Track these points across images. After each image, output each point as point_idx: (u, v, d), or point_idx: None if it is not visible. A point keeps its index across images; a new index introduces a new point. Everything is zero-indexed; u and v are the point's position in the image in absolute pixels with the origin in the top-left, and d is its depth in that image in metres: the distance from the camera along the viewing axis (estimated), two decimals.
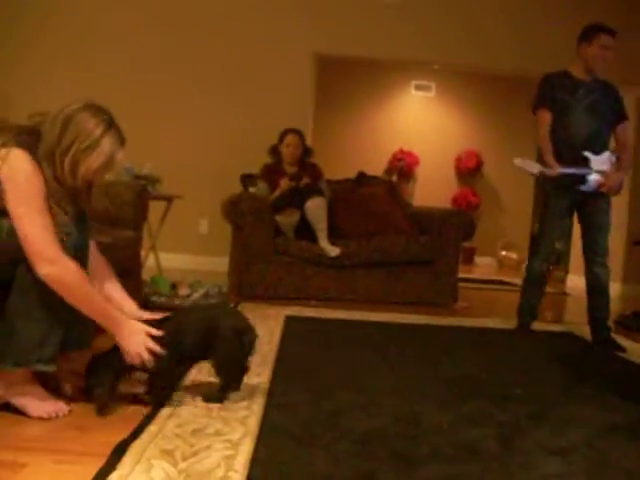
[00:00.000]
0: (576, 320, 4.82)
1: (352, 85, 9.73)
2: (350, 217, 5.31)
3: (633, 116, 6.13)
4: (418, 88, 10.03)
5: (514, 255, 10.10)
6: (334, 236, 5.08)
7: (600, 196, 4.04)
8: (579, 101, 4.05)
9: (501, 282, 7.72)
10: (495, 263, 10.16)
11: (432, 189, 9.85)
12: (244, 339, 2.26)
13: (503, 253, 10.13)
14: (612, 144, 4.20)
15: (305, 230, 5.03)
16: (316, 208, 5.00)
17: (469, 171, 9.99)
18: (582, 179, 3.96)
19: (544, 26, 6.70)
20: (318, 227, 5.00)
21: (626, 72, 6.20)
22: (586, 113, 4.03)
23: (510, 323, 4.42)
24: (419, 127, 10.07)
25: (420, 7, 6.68)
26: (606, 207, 4.12)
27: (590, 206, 4.09)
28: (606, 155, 4.04)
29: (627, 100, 4.48)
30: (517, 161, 3.97)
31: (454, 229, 5.19)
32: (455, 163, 10.06)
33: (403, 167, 9.85)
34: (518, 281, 7.81)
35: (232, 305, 4.20)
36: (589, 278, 4.14)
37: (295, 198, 5.05)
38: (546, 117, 4.08)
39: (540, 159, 4.06)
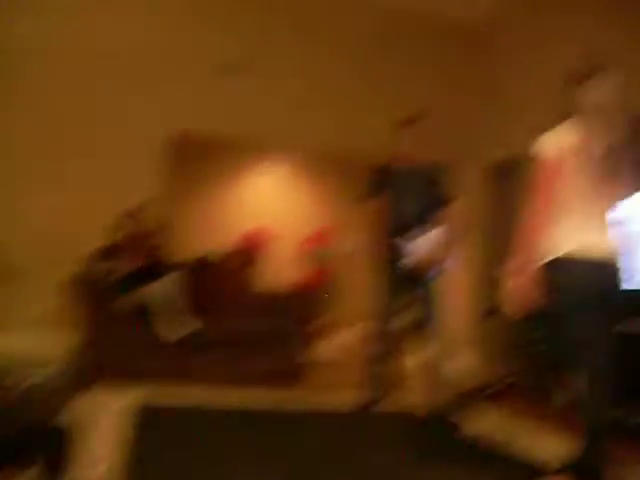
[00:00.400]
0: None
1: (205, 165, 9.75)
2: (199, 296, 5.28)
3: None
4: (271, 166, 10.22)
5: (357, 333, 10.29)
6: (182, 317, 5.01)
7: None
8: None
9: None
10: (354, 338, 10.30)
11: (284, 268, 9.93)
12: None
13: (355, 327, 10.29)
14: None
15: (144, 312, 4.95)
16: (163, 289, 4.93)
17: (321, 249, 10.19)
18: None
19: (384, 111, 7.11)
20: (166, 308, 4.91)
21: None
22: None
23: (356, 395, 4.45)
24: (272, 206, 10.19)
25: (275, 84, 6.91)
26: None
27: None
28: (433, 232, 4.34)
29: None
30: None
31: (304, 309, 5.32)
32: (305, 243, 10.24)
33: (255, 245, 9.90)
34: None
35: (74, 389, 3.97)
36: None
37: (141, 278, 4.95)
38: None
39: None
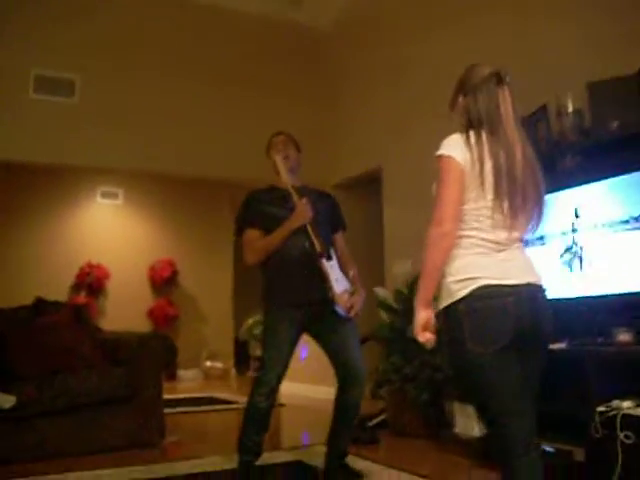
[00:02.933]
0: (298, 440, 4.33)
1: (30, 194, 8.60)
2: (26, 354, 4.27)
3: None
4: (104, 195, 9.25)
5: (219, 364, 9.59)
6: (6, 381, 4.03)
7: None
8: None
9: (211, 399, 7.07)
10: (201, 375, 9.51)
11: (126, 303, 8.98)
12: None
13: (208, 364, 9.55)
14: None
15: None
16: None
17: (164, 281, 9.33)
18: None
19: (233, 132, 6.50)
20: None
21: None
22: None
23: (230, 460, 3.70)
24: (108, 237, 9.22)
25: (103, 110, 6.02)
26: (351, 328, 3.56)
27: (330, 329, 3.55)
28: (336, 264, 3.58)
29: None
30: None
31: (153, 355, 4.45)
32: (149, 273, 9.35)
33: (92, 282, 8.87)
34: (228, 395, 7.41)
35: None
36: (338, 402, 3.54)
37: None
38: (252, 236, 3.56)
39: None
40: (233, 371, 9.72)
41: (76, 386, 4.17)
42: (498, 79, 2.20)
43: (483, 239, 2.11)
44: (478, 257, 2.11)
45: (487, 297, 2.06)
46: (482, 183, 2.09)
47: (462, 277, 2.08)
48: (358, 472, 3.56)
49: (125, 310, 8.75)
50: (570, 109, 3.68)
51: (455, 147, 2.13)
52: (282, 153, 3.64)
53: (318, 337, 3.58)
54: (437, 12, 5.48)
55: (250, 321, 8.43)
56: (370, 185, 6.58)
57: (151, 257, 9.36)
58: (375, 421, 4.94)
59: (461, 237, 2.12)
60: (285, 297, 3.45)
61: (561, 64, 4.07)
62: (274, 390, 3.49)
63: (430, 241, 2.10)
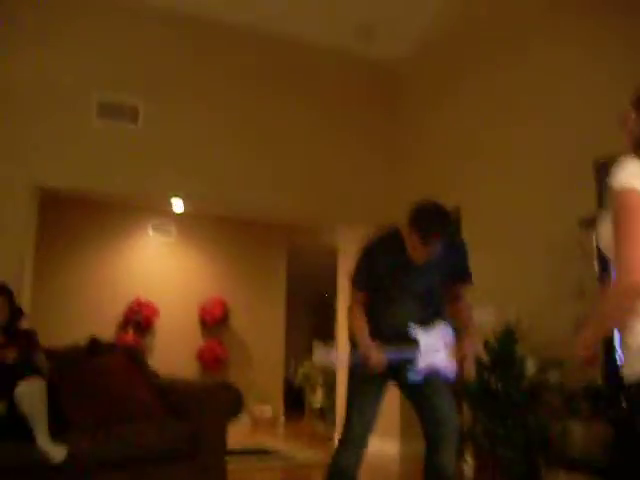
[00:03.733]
0: None
1: (80, 226, 8.30)
2: (80, 401, 3.84)
3: None
4: (156, 229, 8.92)
5: (269, 409, 9.10)
6: (58, 430, 3.60)
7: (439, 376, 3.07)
8: (407, 289, 3.06)
9: (264, 452, 6.57)
10: (249, 420, 9.01)
11: (174, 343, 8.57)
12: None
13: (257, 409, 9.06)
14: None
15: (14, 425, 3.52)
16: (31, 394, 3.54)
17: (215, 321, 8.91)
18: None
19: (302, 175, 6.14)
20: (36, 420, 3.51)
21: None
22: (413, 300, 3.07)
23: None
24: (158, 274, 8.86)
25: (156, 139, 5.72)
26: (444, 387, 3.07)
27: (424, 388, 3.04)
28: (439, 329, 3.05)
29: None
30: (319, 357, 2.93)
31: (220, 408, 4.00)
32: (199, 313, 8.94)
33: (140, 320, 8.50)
34: (282, 446, 6.91)
35: None
36: (427, 467, 3.02)
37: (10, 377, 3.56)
38: (361, 297, 3.11)
39: None
40: (282, 418, 9.20)
41: (133, 437, 3.73)
42: None
43: None
44: None
45: None
46: None
47: None
48: None
49: (173, 350, 8.35)
50: None
51: (634, 173, 1.68)
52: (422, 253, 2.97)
53: (403, 386, 3.11)
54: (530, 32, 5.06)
55: (306, 365, 7.93)
56: None
57: (202, 296, 8.96)
58: None
59: None
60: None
61: None
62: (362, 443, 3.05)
63: (614, 294, 1.67)
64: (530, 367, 4.09)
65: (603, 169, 3.83)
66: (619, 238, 1.67)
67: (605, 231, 1.78)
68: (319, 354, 3.02)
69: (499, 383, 4.13)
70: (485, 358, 4.34)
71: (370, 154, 6.38)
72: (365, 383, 3.04)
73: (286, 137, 6.19)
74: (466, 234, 5.56)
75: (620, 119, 1.90)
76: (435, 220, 2.87)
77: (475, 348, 3.08)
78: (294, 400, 8.95)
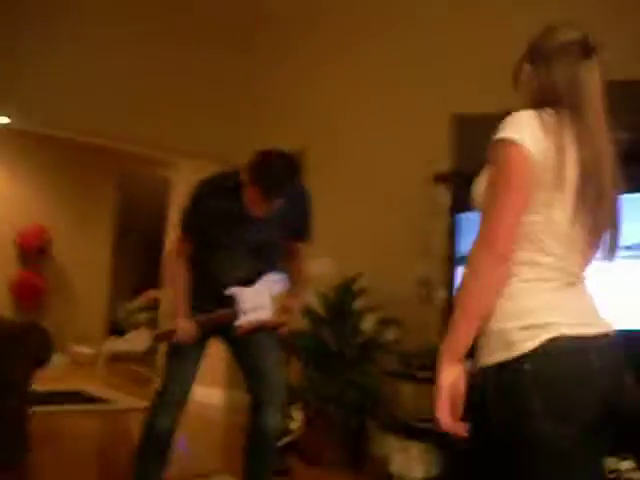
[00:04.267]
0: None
1: None
2: None
3: None
4: None
5: (87, 350, 8.49)
6: None
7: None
8: (242, 242, 2.73)
9: (80, 396, 6.03)
10: (67, 360, 8.37)
11: None
12: None
13: (76, 348, 8.43)
14: None
15: None
16: None
17: (33, 251, 8.09)
18: None
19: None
20: None
21: None
22: (248, 254, 2.75)
23: None
24: None
25: None
26: (272, 342, 2.85)
27: (247, 344, 2.84)
28: (264, 280, 2.77)
29: None
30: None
31: (25, 351, 3.47)
32: (16, 240, 8.07)
33: None
34: (97, 390, 6.41)
35: None
36: (252, 425, 2.83)
37: None
38: (186, 243, 2.79)
39: None
40: (104, 356, 8.62)
41: None
42: (584, 48, 1.48)
43: (554, 268, 1.41)
44: (549, 294, 1.41)
45: (565, 353, 1.35)
46: (561, 185, 1.38)
47: (528, 322, 1.36)
48: None
49: None
50: None
51: (526, 128, 1.38)
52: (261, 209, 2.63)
53: (227, 343, 2.90)
54: None
55: (129, 306, 7.41)
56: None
57: (19, 222, 8.07)
58: (285, 441, 4.19)
59: (523, 263, 1.40)
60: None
61: None
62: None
63: (476, 269, 1.36)
64: (367, 323, 3.89)
65: (460, 124, 3.64)
66: (489, 198, 1.39)
67: (480, 187, 1.50)
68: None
69: (333, 338, 3.90)
70: (320, 310, 4.10)
71: (219, 90, 5.86)
72: (184, 346, 2.72)
73: (132, 58, 5.49)
74: (311, 178, 5.24)
75: (514, 73, 1.61)
76: (281, 174, 2.53)
77: (301, 305, 2.94)
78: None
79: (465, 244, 3.42)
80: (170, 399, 2.77)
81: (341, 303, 4.01)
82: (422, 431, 3.27)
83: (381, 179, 4.49)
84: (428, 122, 4.08)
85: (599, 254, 1.50)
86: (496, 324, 1.39)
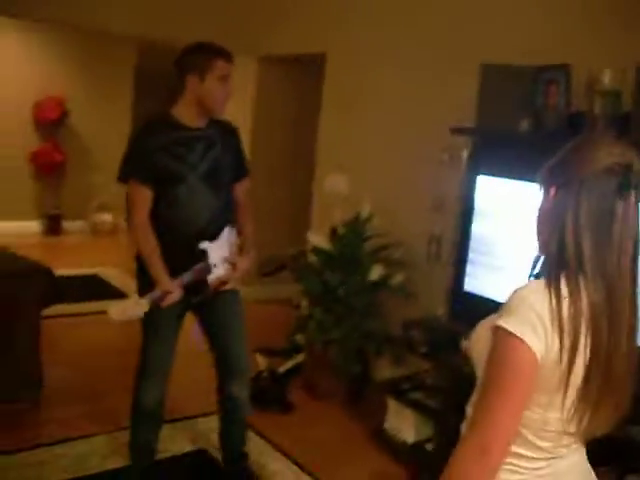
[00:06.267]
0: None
1: None
2: None
3: None
4: None
5: (109, 218, 8.56)
6: None
7: (225, 294, 2.77)
8: (194, 167, 2.62)
9: (101, 284, 6.15)
10: (87, 228, 8.47)
11: (4, 144, 7.60)
12: None
13: (97, 217, 8.50)
14: None
15: None
16: None
17: (51, 122, 7.91)
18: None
19: None
20: None
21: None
22: (203, 183, 2.64)
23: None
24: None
25: None
26: (235, 305, 2.85)
27: (214, 309, 2.81)
28: (225, 234, 2.73)
29: None
30: (118, 316, 2.44)
31: (31, 297, 3.47)
32: (33, 112, 7.87)
33: None
34: (120, 277, 6.48)
35: None
36: (222, 397, 2.92)
37: None
38: (144, 197, 2.61)
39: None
40: (124, 225, 8.70)
41: None
42: (624, 180, 1.22)
43: (543, 458, 1.31)
44: None
45: None
46: (565, 387, 1.23)
47: None
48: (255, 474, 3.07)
49: (4, 153, 7.44)
50: (606, 86, 2.76)
51: (535, 322, 1.19)
52: (226, 89, 2.65)
53: (194, 309, 2.84)
54: None
55: None
56: (307, 72, 5.43)
57: (36, 93, 7.84)
58: (286, 367, 4.29)
59: (512, 455, 1.27)
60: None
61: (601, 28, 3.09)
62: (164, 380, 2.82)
63: (463, 472, 1.21)
64: (374, 273, 3.82)
65: (488, 73, 3.32)
66: (486, 397, 1.23)
67: (479, 338, 1.36)
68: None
69: (340, 284, 3.85)
70: (332, 247, 4.01)
71: None
72: (164, 313, 2.61)
73: None
74: (328, 85, 4.91)
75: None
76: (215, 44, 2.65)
77: (250, 266, 2.83)
78: None
79: (480, 202, 3.27)
80: (155, 373, 2.76)
81: (351, 247, 3.91)
82: (417, 403, 3.30)
83: (402, 116, 4.20)
84: (458, 67, 3.72)
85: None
86: None
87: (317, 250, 4.02)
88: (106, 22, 5.13)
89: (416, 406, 3.28)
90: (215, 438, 3.08)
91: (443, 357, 3.17)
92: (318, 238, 4.03)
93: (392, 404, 3.41)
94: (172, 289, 2.50)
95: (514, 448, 1.26)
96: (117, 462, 3.04)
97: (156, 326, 2.70)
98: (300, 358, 4.27)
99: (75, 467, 2.99)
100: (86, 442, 3.22)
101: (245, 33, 5.37)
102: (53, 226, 7.99)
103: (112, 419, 3.42)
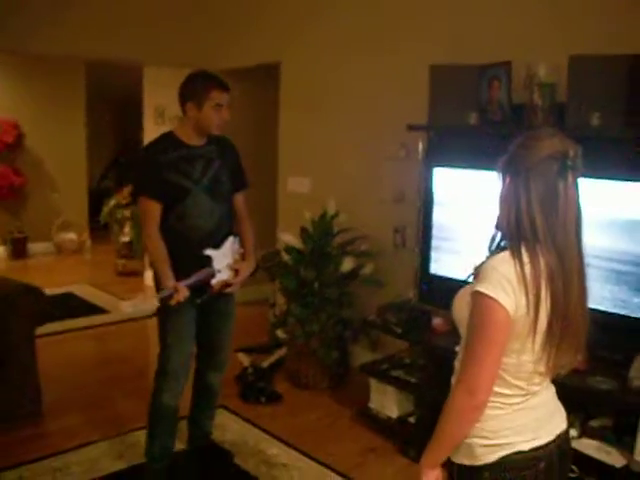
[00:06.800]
0: None
1: None
2: None
3: None
4: None
5: (73, 236, 8.63)
6: None
7: (224, 296, 3.02)
8: (198, 182, 2.88)
9: (71, 299, 6.27)
10: (53, 248, 8.53)
11: None
12: None
13: (61, 236, 8.56)
14: None
15: None
16: None
17: (7, 146, 7.96)
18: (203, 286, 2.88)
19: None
20: None
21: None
22: (207, 196, 2.89)
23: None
24: None
25: None
26: (231, 307, 3.13)
27: (214, 309, 3.04)
28: (229, 243, 2.98)
29: None
30: (128, 308, 2.66)
31: (24, 316, 3.63)
32: None
33: None
34: (89, 289, 6.62)
35: None
36: (199, 384, 3.21)
37: None
38: (154, 211, 2.83)
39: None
40: (89, 243, 8.79)
41: None
42: (563, 164, 1.50)
43: (520, 395, 1.60)
44: (512, 416, 1.61)
45: (518, 467, 1.60)
46: (533, 334, 1.52)
47: (491, 442, 1.59)
48: (228, 451, 3.37)
49: None
50: (542, 79, 3.06)
51: (505, 285, 1.48)
52: (221, 115, 2.89)
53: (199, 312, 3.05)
54: None
55: (112, 202, 7.44)
56: (266, 82, 5.65)
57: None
58: (270, 361, 4.53)
59: (494, 394, 1.57)
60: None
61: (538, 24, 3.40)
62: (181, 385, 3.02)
63: (456, 411, 1.55)
64: (346, 265, 4.08)
65: (437, 73, 3.59)
66: (471, 349, 1.53)
67: (460, 304, 1.64)
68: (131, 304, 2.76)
69: (315, 277, 4.10)
70: (302, 247, 4.25)
71: (193, 6, 5.60)
72: (179, 314, 2.88)
73: None
74: (285, 94, 5.14)
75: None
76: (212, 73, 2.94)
77: (249, 273, 3.06)
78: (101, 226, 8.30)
79: (438, 192, 3.55)
80: (176, 373, 2.94)
81: (321, 244, 4.16)
82: (397, 379, 3.57)
83: (359, 117, 4.46)
84: (410, 69, 3.99)
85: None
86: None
87: (289, 248, 4.26)
88: (49, 46, 5.19)
89: (397, 383, 3.54)
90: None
91: (417, 336, 3.44)
92: (289, 237, 4.26)
93: (374, 384, 3.68)
94: (179, 289, 2.69)
95: (496, 388, 1.55)
96: (128, 462, 3.23)
97: (174, 327, 2.92)
98: (282, 352, 4.52)
99: (88, 472, 3.16)
100: (94, 447, 3.39)
101: (201, 48, 5.57)
102: (18, 249, 8.04)
103: (113, 425, 3.61)
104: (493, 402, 1.57)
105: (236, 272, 2.97)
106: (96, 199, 8.84)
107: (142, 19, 5.46)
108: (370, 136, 4.33)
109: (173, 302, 2.67)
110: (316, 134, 4.82)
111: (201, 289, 2.84)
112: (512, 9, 3.51)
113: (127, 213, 7.40)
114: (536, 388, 1.62)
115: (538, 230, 1.51)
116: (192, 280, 2.77)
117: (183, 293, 2.70)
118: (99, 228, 8.48)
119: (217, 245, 2.91)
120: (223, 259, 2.93)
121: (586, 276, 1.58)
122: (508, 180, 1.57)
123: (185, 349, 2.98)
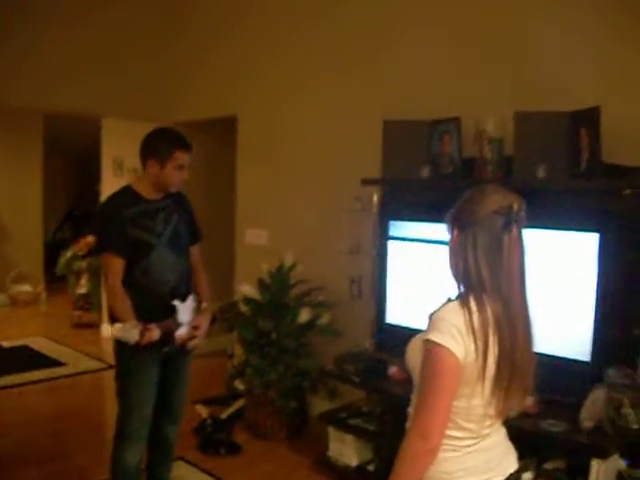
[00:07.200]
0: None
1: None
2: None
3: None
4: None
5: (28, 288, 8.49)
6: None
7: (182, 352, 2.97)
8: (159, 235, 2.87)
9: (27, 353, 6.13)
10: (7, 300, 8.37)
11: None
12: None
13: (15, 288, 8.41)
14: None
15: None
16: None
17: None
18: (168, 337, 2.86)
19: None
20: None
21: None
22: (169, 249, 2.88)
23: None
24: None
25: None
26: (188, 362, 3.11)
27: (172, 365, 3.00)
28: (190, 300, 2.95)
29: None
30: (118, 332, 2.61)
31: None
32: None
33: None
34: (44, 342, 6.48)
35: None
36: (156, 437, 3.08)
37: None
38: (118, 266, 2.80)
39: None
40: (44, 295, 8.64)
41: None
42: (507, 218, 1.59)
43: (471, 437, 1.65)
44: (464, 458, 1.66)
45: None
46: (482, 379, 1.58)
47: None
48: None
49: None
50: (490, 134, 3.20)
51: (455, 333, 1.54)
52: (182, 175, 2.92)
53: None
54: None
55: (68, 254, 7.36)
56: (223, 134, 5.73)
57: None
58: (229, 412, 4.48)
59: (446, 437, 1.61)
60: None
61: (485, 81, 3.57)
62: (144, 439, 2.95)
63: (410, 456, 1.58)
64: (303, 316, 4.11)
65: (390, 128, 3.70)
66: (423, 395, 1.58)
67: (413, 351, 1.69)
68: (121, 327, 2.70)
69: (272, 328, 4.11)
70: (260, 298, 4.27)
71: (148, 54, 5.68)
72: (141, 372, 2.84)
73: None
74: (243, 148, 5.22)
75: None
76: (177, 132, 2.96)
77: (208, 323, 3.03)
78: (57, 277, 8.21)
79: (392, 243, 3.64)
80: (135, 429, 2.87)
81: (279, 295, 4.19)
82: (356, 428, 3.58)
83: (315, 170, 4.56)
84: (364, 124, 4.11)
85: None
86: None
87: (247, 300, 4.27)
88: (6, 98, 5.17)
89: (355, 431, 3.55)
90: None
91: (374, 384, 3.48)
92: (247, 288, 4.28)
93: (333, 432, 3.68)
94: (149, 328, 2.63)
95: (448, 432, 1.59)
96: None
97: (136, 388, 2.85)
98: (241, 402, 4.48)
99: None
100: None
101: (158, 101, 5.64)
102: None
103: (75, 477, 3.51)
104: (446, 445, 1.61)
105: (195, 328, 2.93)
106: (51, 251, 8.77)
107: (99, 71, 5.47)
108: (326, 189, 4.42)
109: (144, 341, 2.60)
110: (273, 187, 4.90)
111: (166, 339, 2.80)
112: (461, 67, 3.66)
113: (84, 265, 7.34)
114: (487, 431, 1.67)
115: (484, 281, 1.59)
116: (161, 326, 2.73)
117: (155, 333, 2.65)
118: (55, 280, 8.39)
119: (183, 295, 2.90)
120: (186, 313, 2.90)
121: (531, 323, 1.66)
122: (456, 233, 1.66)
123: (147, 411, 2.90)
